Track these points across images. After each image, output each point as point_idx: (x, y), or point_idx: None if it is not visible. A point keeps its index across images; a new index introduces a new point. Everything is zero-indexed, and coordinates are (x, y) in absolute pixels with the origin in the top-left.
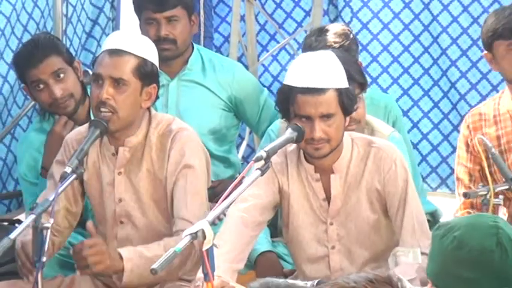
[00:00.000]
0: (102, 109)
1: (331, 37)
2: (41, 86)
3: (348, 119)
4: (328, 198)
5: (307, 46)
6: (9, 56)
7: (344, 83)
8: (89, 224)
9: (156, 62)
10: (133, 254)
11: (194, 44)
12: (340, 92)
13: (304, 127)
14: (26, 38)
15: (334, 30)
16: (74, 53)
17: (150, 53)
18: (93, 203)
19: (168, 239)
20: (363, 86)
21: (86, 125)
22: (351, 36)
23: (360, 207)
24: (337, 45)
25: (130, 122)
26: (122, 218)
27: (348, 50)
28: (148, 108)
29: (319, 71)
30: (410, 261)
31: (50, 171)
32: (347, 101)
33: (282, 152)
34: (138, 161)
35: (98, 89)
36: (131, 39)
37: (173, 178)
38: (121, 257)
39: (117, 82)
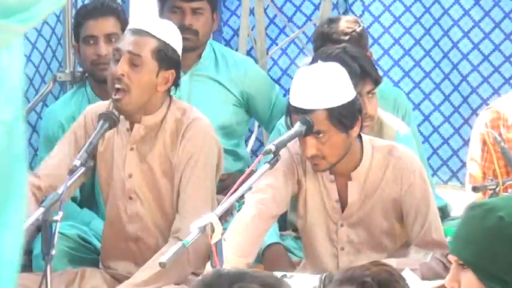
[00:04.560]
0: (116, 85)
1: (343, 24)
2: (92, 42)
3: (352, 132)
4: (341, 201)
5: (320, 35)
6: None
7: (336, 102)
8: None
9: (179, 49)
10: None
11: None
12: (331, 111)
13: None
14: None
15: (345, 18)
16: None
17: (174, 39)
18: (103, 176)
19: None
20: (377, 81)
21: (109, 100)
22: (362, 24)
23: (373, 214)
24: (350, 29)
25: (143, 103)
26: (131, 194)
27: (361, 37)
28: (170, 96)
29: (309, 91)
30: (419, 258)
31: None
32: (341, 119)
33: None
34: (151, 140)
35: (115, 65)
36: (156, 22)
37: (182, 166)
38: None
39: (134, 59)
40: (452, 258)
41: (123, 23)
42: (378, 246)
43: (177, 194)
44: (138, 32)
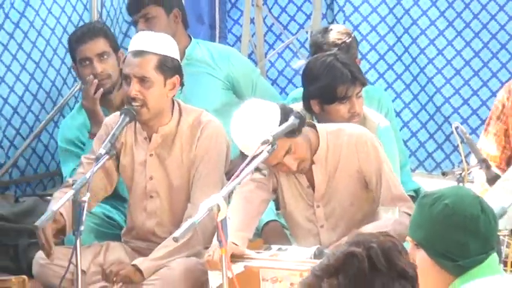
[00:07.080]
0: (133, 103)
1: (334, 35)
2: (87, 62)
3: (302, 131)
4: (312, 185)
5: (314, 43)
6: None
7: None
8: None
9: (177, 55)
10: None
11: (194, 38)
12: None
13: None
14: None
15: (337, 29)
16: None
17: (170, 49)
18: (126, 179)
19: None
20: (364, 84)
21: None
22: (352, 35)
23: (341, 189)
24: (339, 41)
25: (160, 110)
26: (152, 193)
27: (349, 47)
28: (178, 102)
29: (243, 143)
30: (389, 216)
31: (92, 147)
32: (286, 134)
33: None
34: (169, 146)
35: (127, 86)
36: (152, 39)
37: (197, 162)
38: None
39: (142, 79)
40: (408, 239)
41: (112, 40)
42: (350, 215)
43: (191, 186)
44: (138, 54)
